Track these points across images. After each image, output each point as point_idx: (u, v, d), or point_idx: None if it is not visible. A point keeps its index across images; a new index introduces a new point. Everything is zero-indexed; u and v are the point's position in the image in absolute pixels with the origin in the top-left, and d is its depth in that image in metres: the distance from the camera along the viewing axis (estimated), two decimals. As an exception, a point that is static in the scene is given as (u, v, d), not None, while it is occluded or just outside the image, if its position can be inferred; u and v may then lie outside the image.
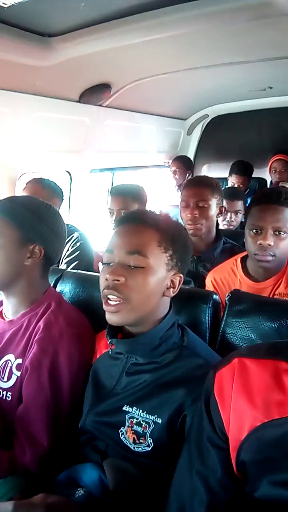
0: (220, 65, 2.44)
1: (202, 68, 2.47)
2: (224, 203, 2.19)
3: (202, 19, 1.56)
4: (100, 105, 2.65)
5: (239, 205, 2.73)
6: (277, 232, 1.38)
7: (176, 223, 1.06)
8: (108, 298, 0.96)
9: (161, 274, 0.97)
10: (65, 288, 1.38)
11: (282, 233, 1.38)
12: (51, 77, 2.07)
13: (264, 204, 1.41)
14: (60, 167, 2.83)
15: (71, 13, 1.61)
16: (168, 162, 3.95)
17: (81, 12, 1.57)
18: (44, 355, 1.07)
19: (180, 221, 2.19)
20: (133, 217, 1.03)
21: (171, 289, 1.00)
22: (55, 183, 2.21)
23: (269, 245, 1.38)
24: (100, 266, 2.08)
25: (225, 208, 2.00)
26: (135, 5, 1.51)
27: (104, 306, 0.97)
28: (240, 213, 2.73)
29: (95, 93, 2.43)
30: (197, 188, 1.86)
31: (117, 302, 0.95)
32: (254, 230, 1.42)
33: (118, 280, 0.94)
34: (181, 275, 1.02)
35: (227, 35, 1.92)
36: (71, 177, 2.90)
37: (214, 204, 1.85)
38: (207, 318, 1.14)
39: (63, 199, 2.25)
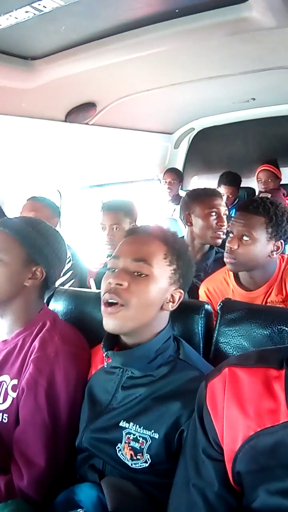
0: (202, 79, 2.50)
1: (184, 83, 2.52)
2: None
3: (181, 36, 1.60)
4: (87, 124, 2.68)
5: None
6: (242, 238, 1.45)
7: (183, 241, 1.11)
8: (108, 305, 0.96)
9: (163, 286, 0.98)
10: (58, 306, 1.38)
11: (245, 238, 1.45)
12: (36, 98, 2.11)
13: (239, 210, 1.51)
14: (50, 186, 2.85)
15: (53, 36, 1.65)
16: (157, 175, 3.99)
17: (62, 34, 1.61)
18: (40, 374, 1.06)
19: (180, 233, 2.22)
20: (143, 229, 1.06)
21: (170, 303, 1.01)
22: (53, 202, 2.25)
23: (231, 248, 1.46)
24: (92, 282, 2.09)
25: None
26: (114, 26, 1.55)
27: (102, 308, 0.97)
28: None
29: (80, 112, 2.47)
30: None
31: (116, 306, 0.95)
32: (230, 234, 1.51)
33: (121, 285, 0.95)
34: (182, 292, 1.03)
35: (207, 50, 1.97)
36: (61, 196, 2.92)
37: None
38: (200, 328, 1.14)
39: (60, 217, 2.27)
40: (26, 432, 1.04)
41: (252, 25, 1.53)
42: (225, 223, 1.88)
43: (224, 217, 1.90)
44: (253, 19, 1.48)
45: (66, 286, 2.09)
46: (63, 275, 2.13)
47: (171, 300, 1.01)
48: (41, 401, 1.04)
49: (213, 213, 1.87)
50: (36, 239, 1.16)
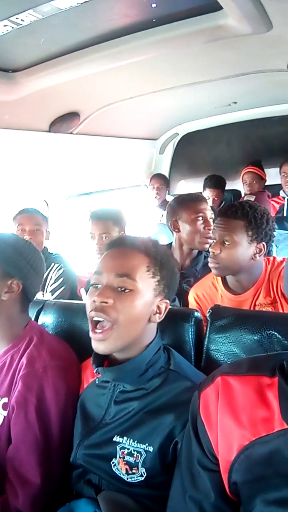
0: (183, 85, 2.52)
1: (166, 90, 2.54)
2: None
3: (159, 45, 1.62)
4: (71, 133, 2.68)
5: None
6: (223, 242, 1.49)
7: (165, 250, 1.07)
8: (96, 324, 0.95)
9: (149, 299, 0.97)
10: (48, 319, 1.37)
11: (226, 243, 1.48)
12: (19, 110, 2.10)
13: (219, 216, 1.55)
14: (37, 196, 2.84)
15: (33, 48, 1.65)
16: (144, 181, 4.00)
17: (41, 46, 1.62)
18: (29, 391, 1.04)
19: (161, 240, 2.21)
20: (124, 241, 1.05)
21: (157, 315, 1.00)
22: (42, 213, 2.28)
23: (213, 252, 1.50)
24: (83, 292, 2.08)
25: None
26: (92, 37, 1.56)
27: (91, 333, 0.96)
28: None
29: (64, 122, 2.47)
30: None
31: (105, 328, 0.94)
32: (214, 239, 1.55)
33: (106, 302, 0.93)
34: (168, 302, 1.02)
35: (187, 57, 1.99)
36: (48, 205, 2.91)
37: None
38: (190, 336, 1.14)
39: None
40: (18, 450, 1.03)
41: (229, 32, 1.56)
42: (212, 227, 1.88)
43: (211, 221, 1.91)
44: (229, 27, 1.51)
45: (58, 293, 2.10)
46: (55, 281, 2.13)
47: (158, 311, 1.00)
48: (32, 418, 1.03)
49: (200, 218, 1.88)
50: (7, 252, 1.14)
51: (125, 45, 1.59)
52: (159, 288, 0.99)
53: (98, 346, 0.95)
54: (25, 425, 1.03)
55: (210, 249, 1.54)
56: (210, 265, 1.54)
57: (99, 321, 0.95)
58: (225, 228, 1.49)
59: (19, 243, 1.21)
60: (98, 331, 0.94)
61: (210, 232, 1.86)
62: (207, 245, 1.87)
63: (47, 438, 1.04)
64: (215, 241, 1.53)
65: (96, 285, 0.98)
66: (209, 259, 1.54)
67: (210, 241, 1.86)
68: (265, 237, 1.49)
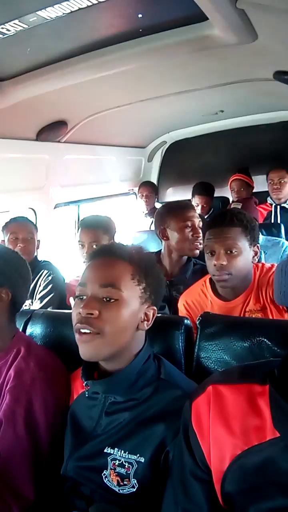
0: (171, 94, 2.55)
1: (153, 99, 2.56)
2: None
3: (146, 54, 1.63)
4: (59, 141, 2.68)
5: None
6: (229, 251, 1.45)
7: (149, 256, 1.07)
8: (82, 333, 0.93)
9: (135, 307, 0.96)
10: (36, 330, 1.35)
11: (233, 251, 1.45)
12: (6, 118, 2.09)
13: (212, 227, 1.50)
14: (24, 204, 2.82)
15: (19, 58, 1.65)
16: (133, 189, 4.00)
17: (28, 56, 1.62)
18: (17, 404, 1.03)
19: (150, 247, 2.21)
20: (106, 251, 1.03)
21: (145, 322, 0.99)
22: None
23: (222, 264, 1.44)
24: (72, 301, 2.06)
25: None
26: (79, 46, 1.56)
27: (77, 337, 0.95)
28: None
29: (52, 131, 2.47)
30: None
31: (91, 335, 0.92)
32: (209, 253, 1.49)
33: (92, 314, 0.92)
34: (155, 308, 1.01)
35: (173, 67, 2.01)
36: (35, 214, 2.89)
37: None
38: (180, 344, 1.13)
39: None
40: (9, 464, 1.01)
41: (215, 42, 1.58)
42: (201, 234, 1.89)
43: (199, 228, 1.92)
44: (215, 37, 1.53)
45: (46, 300, 2.07)
46: (44, 288, 2.11)
47: (145, 318, 0.99)
48: (21, 431, 1.01)
49: (188, 225, 1.88)
50: None
51: (111, 54, 1.60)
52: (145, 295, 0.98)
53: (84, 350, 0.94)
54: (14, 439, 1.01)
55: (214, 263, 1.45)
56: (219, 278, 1.47)
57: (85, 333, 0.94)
58: (228, 238, 1.45)
59: (7, 252, 1.22)
60: (85, 331, 0.93)
61: (199, 238, 1.87)
62: (197, 251, 1.88)
63: (37, 450, 1.02)
64: (212, 254, 1.47)
65: (81, 297, 0.97)
66: (216, 273, 1.47)
67: (200, 246, 1.86)
68: (257, 239, 1.51)
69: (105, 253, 1.02)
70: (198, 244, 1.88)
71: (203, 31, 1.50)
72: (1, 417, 1.03)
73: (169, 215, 1.92)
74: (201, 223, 1.94)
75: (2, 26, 1.29)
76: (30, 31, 1.35)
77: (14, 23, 1.27)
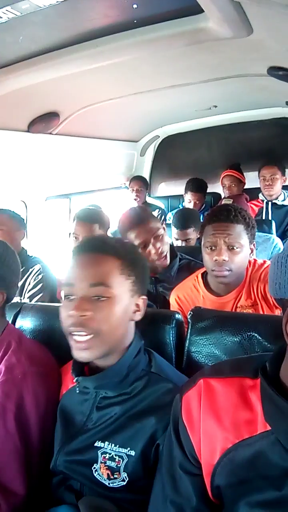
0: (164, 88, 2.53)
1: (147, 92, 2.54)
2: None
3: (140, 46, 1.62)
4: (50, 133, 2.65)
5: (190, 232, 2.56)
6: (231, 248, 1.44)
7: (133, 246, 1.05)
8: (75, 335, 0.91)
9: (127, 301, 0.95)
10: (25, 323, 1.33)
11: (235, 247, 1.44)
12: (-3, 109, 2.06)
13: (216, 222, 1.47)
14: (14, 197, 2.79)
15: (11, 46, 1.62)
16: (125, 183, 3.99)
17: (20, 45, 1.59)
18: (8, 399, 1.01)
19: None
20: (91, 246, 0.99)
21: (137, 313, 0.98)
22: (18, 214, 2.18)
23: (224, 260, 1.43)
24: (62, 294, 2.04)
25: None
26: (72, 36, 1.54)
27: (71, 342, 0.93)
28: (191, 240, 2.57)
29: (43, 122, 2.43)
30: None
31: (87, 338, 0.91)
32: (209, 247, 1.47)
33: (85, 315, 0.90)
34: (145, 297, 1.00)
35: (167, 60, 2.00)
36: (26, 206, 2.86)
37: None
38: (171, 338, 1.13)
39: (26, 229, 2.21)
40: None
41: (210, 35, 1.57)
42: (164, 245, 1.76)
43: (159, 237, 1.74)
44: (210, 30, 1.52)
45: (36, 299, 2.03)
46: (33, 287, 2.06)
47: (137, 309, 0.98)
48: (11, 426, 0.99)
49: (142, 246, 1.72)
50: None
51: (105, 45, 1.58)
52: (135, 287, 0.97)
53: (81, 354, 0.92)
54: (4, 435, 1.00)
55: (216, 258, 1.43)
56: (218, 274, 1.45)
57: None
58: (232, 234, 1.44)
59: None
60: (80, 339, 0.91)
61: (162, 248, 1.75)
62: (166, 261, 1.79)
63: (28, 446, 1.01)
64: (214, 248, 1.45)
65: (69, 297, 0.94)
66: (216, 269, 1.45)
67: (165, 262, 1.78)
68: (254, 237, 1.51)
69: (90, 249, 0.97)
70: (163, 258, 1.76)
71: (199, 23, 1.49)
72: None
73: (124, 236, 1.79)
74: (161, 231, 1.76)
75: (-6, 13, 1.26)
76: (22, 18, 1.32)
77: (6, 10, 1.24)
